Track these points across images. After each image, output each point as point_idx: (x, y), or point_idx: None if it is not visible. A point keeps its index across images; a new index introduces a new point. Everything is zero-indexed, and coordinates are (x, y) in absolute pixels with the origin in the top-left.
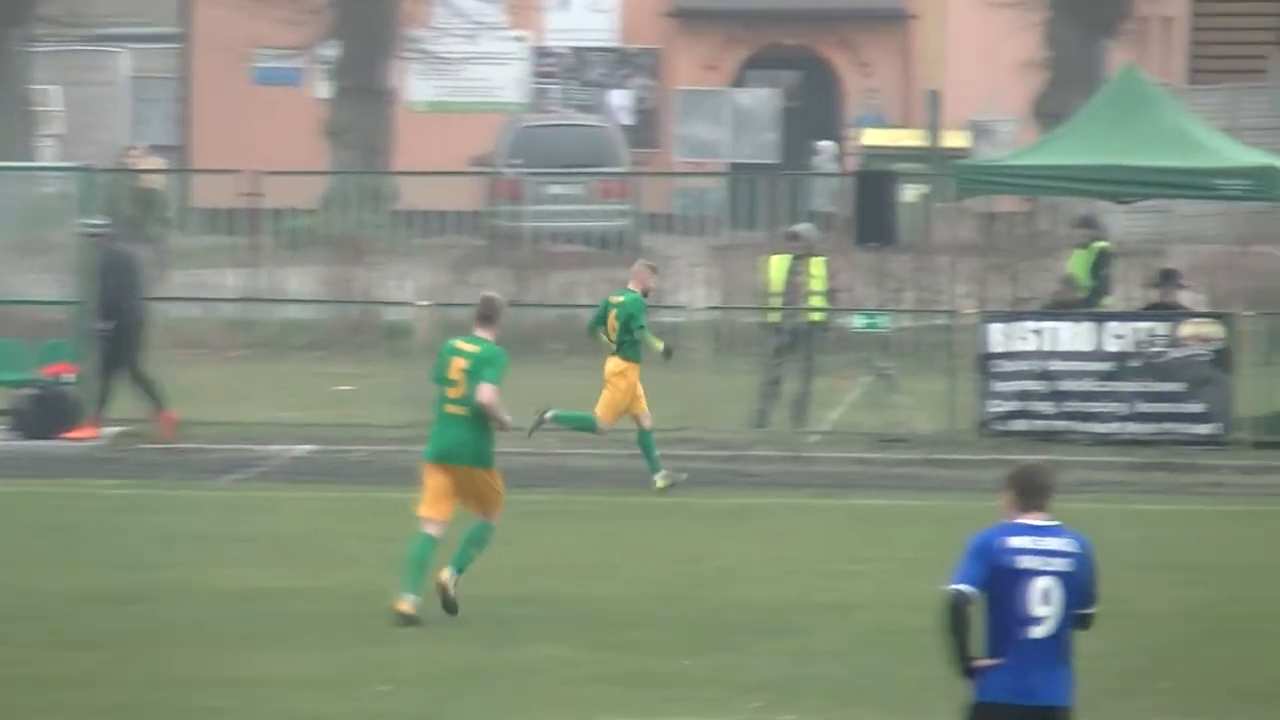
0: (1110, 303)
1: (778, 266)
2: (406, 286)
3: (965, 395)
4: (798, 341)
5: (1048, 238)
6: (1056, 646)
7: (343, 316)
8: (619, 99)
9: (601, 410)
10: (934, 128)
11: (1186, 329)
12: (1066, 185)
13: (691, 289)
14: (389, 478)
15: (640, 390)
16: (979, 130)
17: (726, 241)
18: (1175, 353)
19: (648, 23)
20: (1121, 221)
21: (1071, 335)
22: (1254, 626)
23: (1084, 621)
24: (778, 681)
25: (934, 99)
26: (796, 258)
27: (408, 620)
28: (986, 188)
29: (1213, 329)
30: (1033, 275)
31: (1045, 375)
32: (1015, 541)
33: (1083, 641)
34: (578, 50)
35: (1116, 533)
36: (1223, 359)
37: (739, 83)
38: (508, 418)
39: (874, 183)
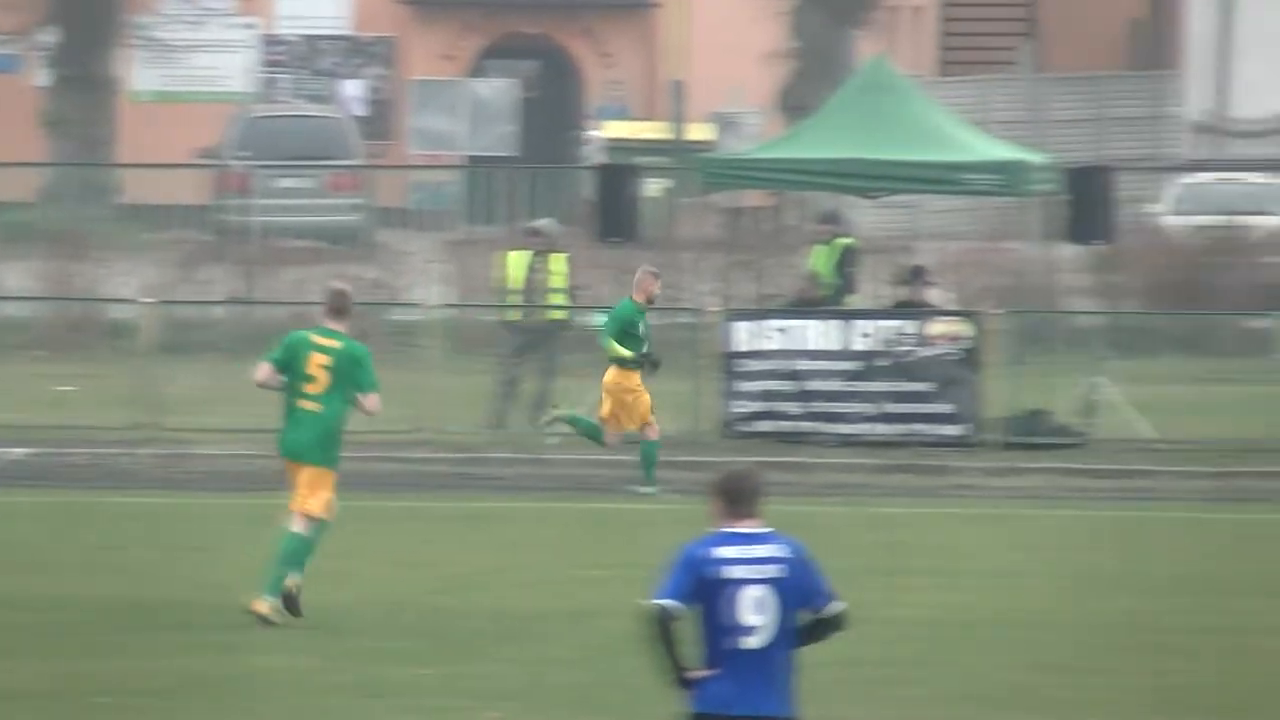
0: (855, 300)
1: (516, 263)
2: (130, 283)
3: (709, 395)
4: (538, 340)
5: (794, 233)
6: (773, 656)
7: (63, 314)
8: (352, 89)
9: (635, 425)
10: (678, 120)
11: (935, 327)
12: (813, 179)
13: (427, 286)
14: (112, 481)
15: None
16: (724, 123)
17: (463, 237)
18: (923, 352)
19: (382, 10)
20: (869, 217)
21: (818, 334)
22: (1000, 632)
23: (834, 623)
24: (516, 690)
25: (678, 90)
26: (536, 254)
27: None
28: (732, 182)
29: (961, 327)
30: (779, 272)
31: (791, 375)
32: (722, 552)
33: (828, 649)
34: (309, 38)
35: (863, 536)
36: (971, 358)
37: (476, 73)
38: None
39: (616, 177)
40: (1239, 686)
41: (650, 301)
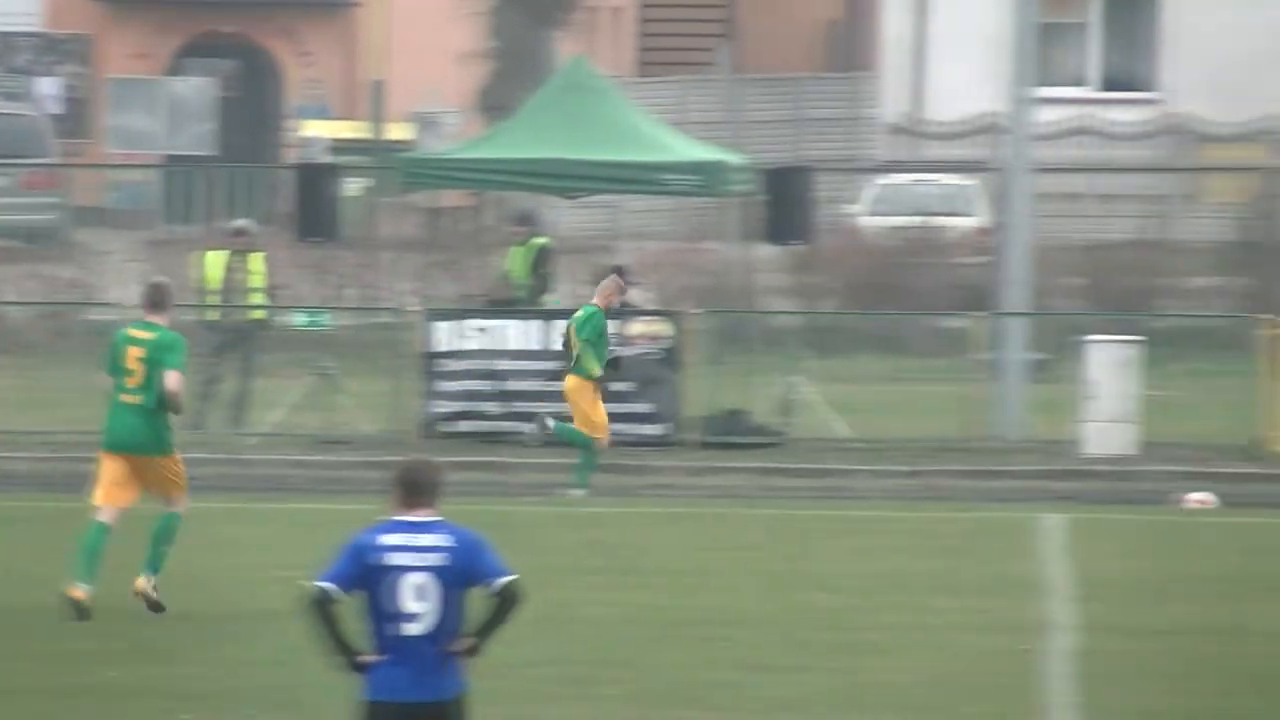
0: (551, 300)
1: (214, 263)
2: None
3: (409, 395)
4: (237, 340)
5: (493, 233)
6: (436, 642)
7: None
8: (47, 87)
9: (591, 432)
10: (378, 119)
11: (635, 327)
12: (513, 179)
13: (125, 286)
14: None
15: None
16: (423, 122)
17: (162, 236)
18: (623, 352)
19: (77, 7)
20: (569, 217)
21: (518, 334)
22: (701, 630)
23: (509, 596)
24: (212, 692)
25: (378, 90)
26: (234, 253)
27: (78, 608)
28: (431, 182)
29: (661, 327)
30: (478, 272)
31: (491, 375)
32: (387, 539)
33: (525, 648)
34: (1, 35)
35: (563, 536)
36: (671, 358)
37: (174, 71)
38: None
39: (315, 176)
40: (937, 684)
41: (609, 309)
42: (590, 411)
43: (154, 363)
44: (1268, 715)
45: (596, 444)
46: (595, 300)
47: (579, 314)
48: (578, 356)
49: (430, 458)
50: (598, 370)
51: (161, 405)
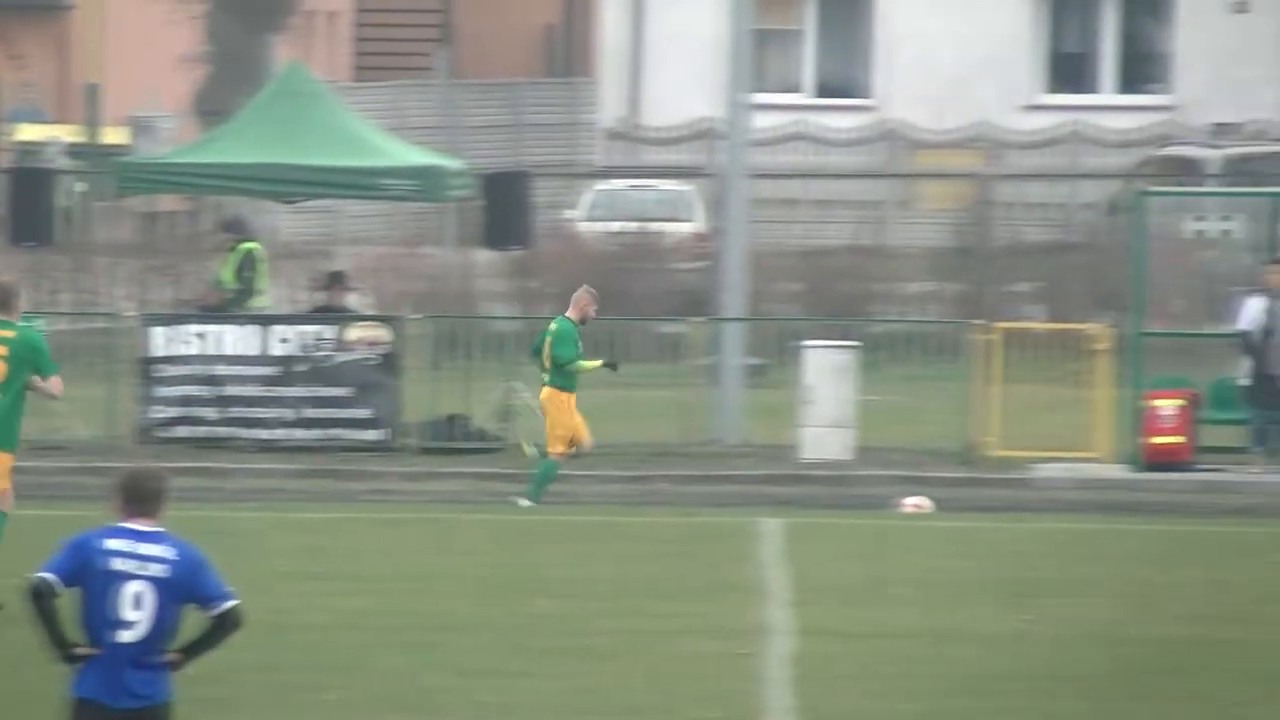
0: (262, 304)
1: None
2: None
3: (126, 401)
4: None
5: (210, 238)
6: (147, 649)
7: None
8: None
9: (550, 445)
10: (93, 123)
11: (354, 332)
12: (229, 184)
13: None
14: None
15: (577, 416)
16: (139, 126)
17: None
18: (342, 357)
19: None
20: (287, 222)
21: (236, 339)
22: (422, 635)
23: (227, 620)
24: None
25: (92, 93)
26: None
27: None
28: (148, 186)
29: (380, 332)
30: (196, 277)
31: (209, 380)
32: (111, 544)
33: (243, 655)
34: None
35: (280, 541)
36: (390, 363)
37: None
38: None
39: (30, 180)
40: (658, 689)
41: (584, 321)
42: (562, 422)
43: (17, 360)
44: (980, 716)
45: (554, 458)
46: (570, 313)
47: (552, 326)
48: (554, 370)
49: (156, 466)
50: (590, 365)
51: (17, 403)
